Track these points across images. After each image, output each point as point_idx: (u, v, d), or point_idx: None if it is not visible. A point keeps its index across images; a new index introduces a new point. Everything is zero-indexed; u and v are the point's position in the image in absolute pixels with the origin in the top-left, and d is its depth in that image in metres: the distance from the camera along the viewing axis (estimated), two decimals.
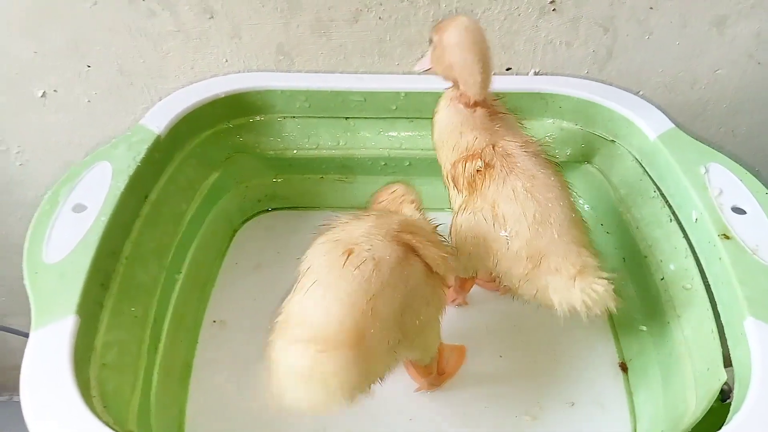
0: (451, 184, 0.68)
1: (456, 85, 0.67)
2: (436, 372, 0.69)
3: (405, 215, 0.59)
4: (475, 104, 0.66)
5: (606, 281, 0.57)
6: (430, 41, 0.67)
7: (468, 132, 0.66)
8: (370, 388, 0.51)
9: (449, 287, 0.65)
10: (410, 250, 0.54)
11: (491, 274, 0.65)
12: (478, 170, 0.64)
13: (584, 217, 0.65)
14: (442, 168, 0.70)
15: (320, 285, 0.48)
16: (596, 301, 0.57)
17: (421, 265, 0.55)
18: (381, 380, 0.53)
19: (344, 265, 0.49)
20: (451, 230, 0.66)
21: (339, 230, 0.54)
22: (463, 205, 0.65)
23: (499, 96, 0.70)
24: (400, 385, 0.70)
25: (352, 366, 0.46)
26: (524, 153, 0.63)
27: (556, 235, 0.59)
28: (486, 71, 0.64)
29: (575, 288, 0.57)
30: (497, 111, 0.68)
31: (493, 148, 0.64)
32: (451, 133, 0.68)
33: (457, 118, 0.67)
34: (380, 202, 0.64)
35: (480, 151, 0.64)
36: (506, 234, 0.61)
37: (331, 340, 0.46)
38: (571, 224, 0.60)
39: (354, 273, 0.48)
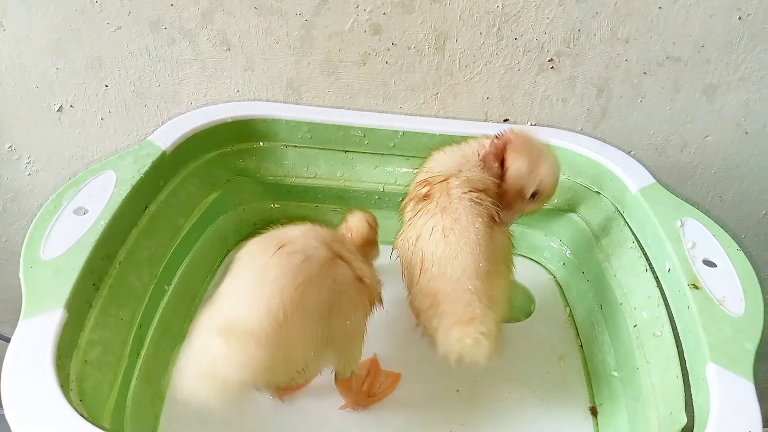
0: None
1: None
2: (360, 389, 0.70)
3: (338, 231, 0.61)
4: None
5: (481, 335, 0.56)
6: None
7: (449, 157, 0.69)
8: (289, 379, 0.53)
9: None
10: (339, 256, 0.56)
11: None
12: (421, 196, 0.66)
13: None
14: None
15: (249, 269, 0.50)
16: (467, 352, 0.57)
17: (350, 270, 0.57)
18: (301, 377, 0.55)
19: (275, 254, 0.50)
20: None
21: (275, 232, 0.56)
22: (402, 229, 0.69)
23: None
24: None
25: (275, 353, 0.46)
26: (462, 195, 0.64)
27: (453, 280, 0.59)
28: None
29: (451, 335, 0.58)
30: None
31: (444, 181, 0.65)
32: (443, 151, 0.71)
33: (463, 149, 0.70)
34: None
35: (432, 179, 0.66)
36: (419, 268, 0.62)
37: (254, 322, 0.46)
38: (477, 275, 0.59)
39: (283, 261, 0.50)
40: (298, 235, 0.54)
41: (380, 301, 0.63)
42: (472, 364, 0.58)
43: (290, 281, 0.49)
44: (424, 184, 0.67)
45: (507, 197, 0.69)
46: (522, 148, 0.68)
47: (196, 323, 0.50)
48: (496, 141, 0.69)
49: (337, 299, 0.54)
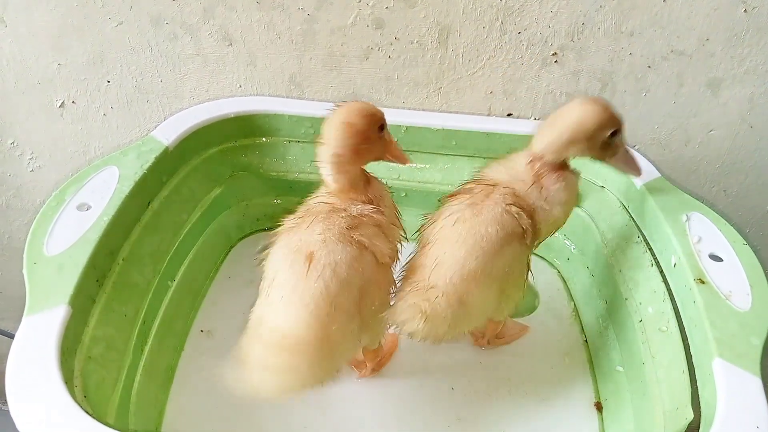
0: None
1: None
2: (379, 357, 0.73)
3: (350, 211, 0.61)
4: (534, 160, 0.66)
5: (422, 314, 0.59)
6: None
7: (504, 172, 0.67)
8: (337, 372, 0.58)
9: None
10: (362, 245, 0.58)
11: None
12: (463, 189, 0.66)
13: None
14: None
15: (288, 297, 0.54)
16: (401, 321, 0.60)
17: (372, 255, 0.59)
18: (348, 362, 0.61)
19: (307, 274, 0.54)
20: None
21: (295, 235, 0.58)
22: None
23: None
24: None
25: (318, 362, 0.53)
26: (500, 202, 0.63)
27: (437, 265, 0.60)
28: (554, 135, 0.65)
29: (399, 304, 0.60)
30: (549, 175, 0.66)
31: (492, 185, 0.65)
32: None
33: (513, 161, 0.68)
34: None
35: (481, 181, 0.66)
36: (421, 243, 0.64)
37: (300, 341, 0.52)
38: (460, 273, 0.60)
39: (316, 284, 0.54)
40: (320, 238, 0.57)
41: (404, 237, 0.66)
42: (412, 337, 0.61)
43: (325, 299, 0.54)
44: (473, 182, 0.67)
45: (598, 154, 0.66)
46: (560, 115, 0.66)
47: (250, 337, 0.56)
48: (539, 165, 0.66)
49: (365, 289, 0.58)
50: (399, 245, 0.65)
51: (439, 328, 0.60)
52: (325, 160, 0.61)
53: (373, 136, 0.62)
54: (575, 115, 0.64)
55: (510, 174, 0.67)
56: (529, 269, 0.67)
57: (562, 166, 0.67)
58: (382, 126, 0.63)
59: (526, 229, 0.64)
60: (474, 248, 0.60)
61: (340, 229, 0.58)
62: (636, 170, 0.70)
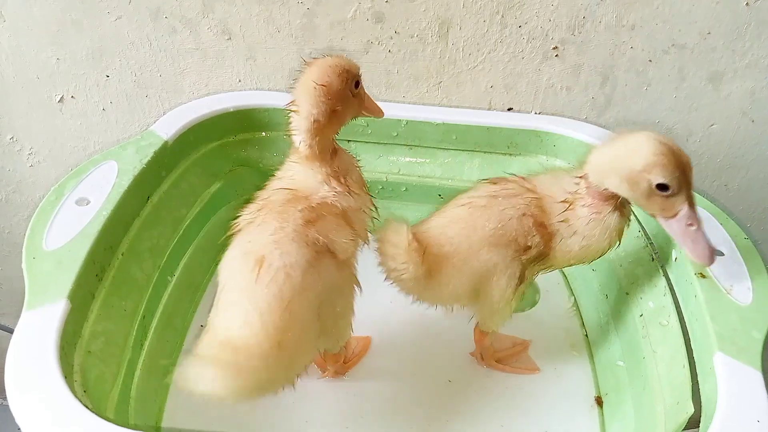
0: None
1: None
2: (342, 360, 0.71)
3: (311, 200, 0.58)
4: (582, 176, 0.60)
5: (404, 256, 0.59)
6: None
7: (548, 181, 0.64)
8: (295, 379, 0.55)
9: None
10: (319, 244, 0.54)
11: None
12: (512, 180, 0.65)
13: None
14: None
15: (239, 304, 0.51)
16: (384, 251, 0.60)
17: (332, 257, 0.56)
18: (305, 370, 0.57)
19: (257, 280, 0.51)
20: None
21: (247, 236, 0.55)
22: None
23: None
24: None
25: (270, 369, 0.49)
26: (517, 206, 0.61)
27: (424, 230, 0.62)
28: (604, 155, 0.58)
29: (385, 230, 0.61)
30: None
31: (524, 187, 0.63)
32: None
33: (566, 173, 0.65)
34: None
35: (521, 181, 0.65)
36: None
37: (251, 348, 0.49)
38: (434, 241, 0.61)
39: (268, 288, 0.50)
40: (272, 240, 0.53)
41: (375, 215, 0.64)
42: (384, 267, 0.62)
43: (279, 304, 0.50)
44: (516, 175, 0.64)
45: (644, 203, 0.57)
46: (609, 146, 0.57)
47: (204, 340, 0.52)
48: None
49: (325, 295, 0.55)
50: (370, 223, 0.63)
51: (407, 272, 0.60)
52: (300, 128, 0.57)
53: (349, 94, 0.58)
54: (630, 143, 0.55)
55: (551, 186, 0.62)
56: (520, 287, 0.64)
57: (607, 198, 0.59)
58: (357, 82, 0.59)
59: (530, 247, 0.61)
60: (461, 233, 0.61)
61: (296, 226, 0.54)
62: (701, 256, 0.57)
